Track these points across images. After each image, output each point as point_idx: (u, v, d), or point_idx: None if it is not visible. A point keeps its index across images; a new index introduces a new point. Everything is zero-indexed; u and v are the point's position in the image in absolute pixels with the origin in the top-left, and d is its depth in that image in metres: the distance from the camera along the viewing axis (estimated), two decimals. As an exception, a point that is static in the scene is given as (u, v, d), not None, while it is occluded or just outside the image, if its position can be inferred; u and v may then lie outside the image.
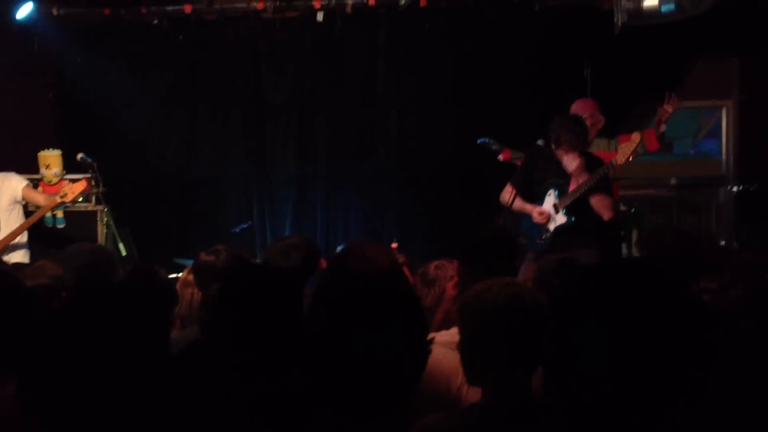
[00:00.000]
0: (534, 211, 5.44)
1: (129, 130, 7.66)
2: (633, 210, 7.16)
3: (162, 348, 1.87)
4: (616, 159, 5.25)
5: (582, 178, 5.25)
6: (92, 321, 1.69)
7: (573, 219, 5.31)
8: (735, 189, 6.99)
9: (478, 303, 2.16)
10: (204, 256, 3.64)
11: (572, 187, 5.32)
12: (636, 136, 5.33)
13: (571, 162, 5.29)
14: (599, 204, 5.25)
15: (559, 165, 5.38)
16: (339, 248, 6.48)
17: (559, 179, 5.40)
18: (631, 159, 5.26)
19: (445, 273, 3.25)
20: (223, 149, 7.70)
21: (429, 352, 1.67)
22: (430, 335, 3.02)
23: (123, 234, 6.34)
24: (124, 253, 5.93)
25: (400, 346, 1.58)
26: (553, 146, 5.34)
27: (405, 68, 7.52)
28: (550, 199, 5.43)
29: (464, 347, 2.22)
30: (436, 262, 3.39)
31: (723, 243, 6.41)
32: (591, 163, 5.37)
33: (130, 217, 7.29)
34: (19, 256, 5.97)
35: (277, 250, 3.63)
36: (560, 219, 5.37)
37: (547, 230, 5.42)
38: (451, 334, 2.95)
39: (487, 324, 2.11)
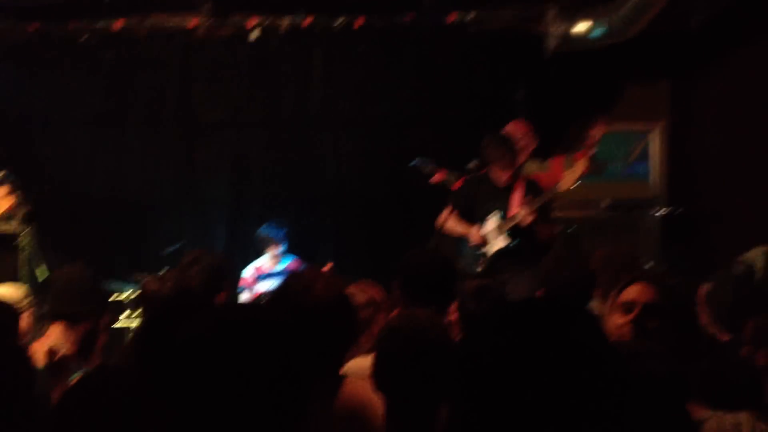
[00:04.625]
0: (471, 230, 5.42)
1: (55, 148, 7.48)
2: (569, 230, 7.20)
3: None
4: (560, 185, 5.27)
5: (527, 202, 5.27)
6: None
7: (514, 242, 5.31)
8: (662, 212, 7.09)
9: (387, 339, 2.13)
10: (150, 284, 3.56)
11: (513, 211, 5.32)
12: (580, 165, 5.36)
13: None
14: (539, 228, 5.27)
15: (497, 188, 5.39)
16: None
17: (499, 202, 5.41)
18: (575, 186, 5.29)
19: (359, 300, 3.17)
20: (153, 169, 7.55)
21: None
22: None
23: (46, 257, 6.13)
24: (44, 276, 5.72)
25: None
26: (485, 166, 5.36)
27: (340, 89, 7.49)
28: (491, 222, 5.42)
29: (374, 377, 2.20)
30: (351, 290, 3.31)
31: (651, 265, 6.48)
32: (530, 186, 5.40)
33: (56, 238, 7.09)
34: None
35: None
36: (502, 242, 5.36)
37: (486, 253, 5.41)
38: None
39: (390, 362, 2.08)
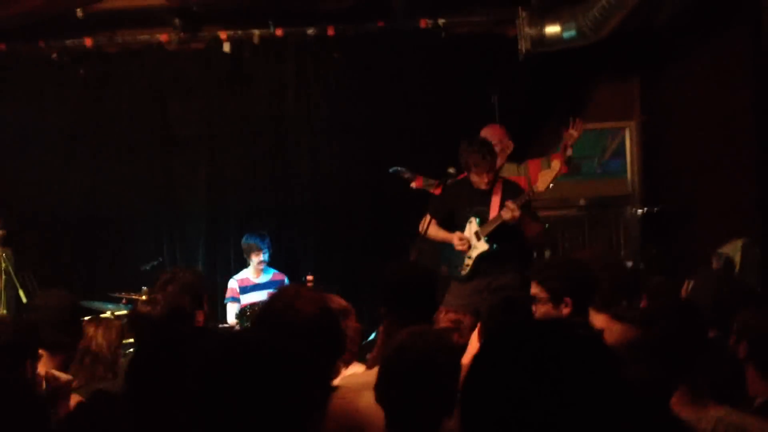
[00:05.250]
0: (454, 237, 5.45)
1: (29, 168, 7.39)
2: (546, 226, 7.25)
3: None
4: (537, 186, 5.31)
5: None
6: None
7: (495, 246, 5.34)
8: (639, 211, 7.16)
9: (395, 357, 2.15)
10: (141, 306, 3.56)
11: (492, 214, 5.35)
12: (556, 164, 5.41)
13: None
14: (527, 226, 5.31)
15: (476, 192, 5.42)
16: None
17: (479, 206, 5.43)
18: (551, 186, 5.33)
19: None
20: (130, 185, 7.49)
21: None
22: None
23: (25, 279, 6.08)
24: (24, 300, 5.67)
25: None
26: (464, 171, 5.39)
27: (314, 98, 7.49)
28: (471, 227, 5.44)
29: (379, 392, 2.22)
30: None
31: (630, 264, 6.55)
32: (509, 188, 5.43)
33: (33, 260, 7.04)
34: None
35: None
36: (482, 246, 5.38)
37: (469, 257, 5.43)
38: (368, 374, 2.91)
39: (397, 379, 2.10)
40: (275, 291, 2.63)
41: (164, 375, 2.03)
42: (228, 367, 1.52)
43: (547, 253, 7.16)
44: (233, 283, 6.86)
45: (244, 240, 6.92)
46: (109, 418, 2.19)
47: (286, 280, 6.93)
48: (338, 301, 3.38)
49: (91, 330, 3.63)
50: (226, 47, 7.37)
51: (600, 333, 1.64)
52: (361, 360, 4.00)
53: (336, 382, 2.94)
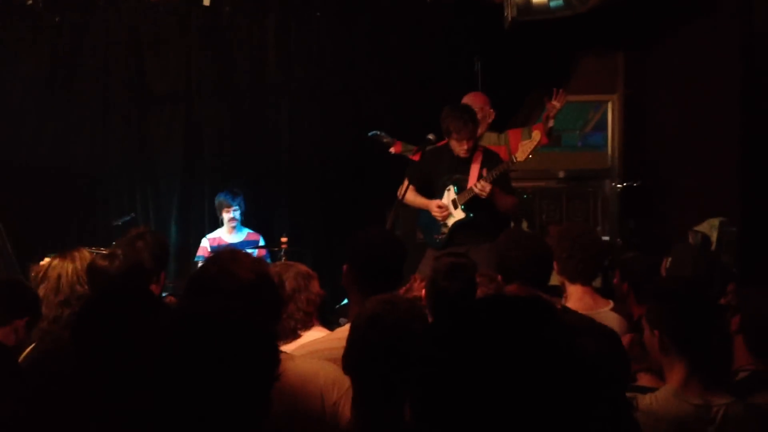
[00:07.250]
0: (432, 204, 5.40)
1: (1, 115, 7.19)
2: (525, 196, 7.23)
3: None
4: (517, 156, 5.26)
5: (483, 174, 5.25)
6: None
7: (471, 215, 5.30)
8: (619, 186, 7.13)
9: (366, 326, 2.10)
10: (99, 261, 3.44)
11: (471, 183, 5.30)
12: (537, 135, 5.35)
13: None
14: (499, 199, 5.26)
15: (456, 160, 5.36)
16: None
17: (458, 174, 5.38)
18: (530, 156, 5.28)
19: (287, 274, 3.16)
20: (103, 138, 7.33)
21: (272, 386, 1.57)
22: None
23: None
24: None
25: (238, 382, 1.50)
26: (445, 137, 5.33)
27: (295, 57, 7.37)
28: (449, 195, 5.40)
29: (348, 362, 2.15)
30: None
31: (607, 238, 6.54)
32: (488, 157, 5.38)
33: (3, 210, 6.88)
34: None
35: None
36: (458, 215, 5.35)
37: (445, 225, 5.39)
38: (328, 340, 2.86)
39: (368, 349, 2.05)
40: (213, 254, 2.56)
41: (110, 330, 1.99)
42: (192, 344, 1.49)
43: (525, 224, 7.14)
44: (205, 242, 6.78)
45: (216, 197, 6.84)
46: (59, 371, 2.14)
47: (261, 240, 6.85)
48: (300, 267, 3.34)
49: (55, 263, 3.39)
50: (206, 0, 7.19)
51: (553, 306, 1.60)
52: (333, 325, 3.96)
53: (293, 346, 2.89)
